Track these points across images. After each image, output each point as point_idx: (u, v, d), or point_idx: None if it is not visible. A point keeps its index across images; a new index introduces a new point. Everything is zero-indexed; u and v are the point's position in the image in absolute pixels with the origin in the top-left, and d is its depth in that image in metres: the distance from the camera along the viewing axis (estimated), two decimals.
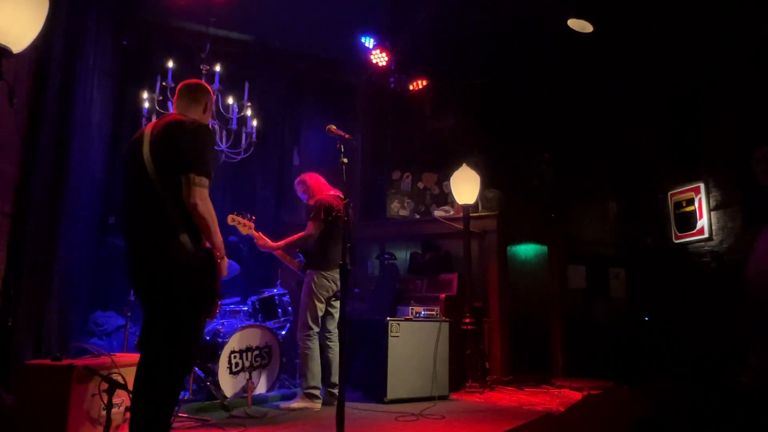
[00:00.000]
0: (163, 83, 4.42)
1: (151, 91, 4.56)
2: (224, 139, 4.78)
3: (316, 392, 4.00)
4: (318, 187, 4.32)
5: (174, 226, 2.25)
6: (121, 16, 5.10)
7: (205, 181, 2.28)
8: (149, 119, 4.53)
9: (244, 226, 4.09)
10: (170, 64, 4.44)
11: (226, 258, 2.42)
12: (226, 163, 5.00)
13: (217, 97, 4.72)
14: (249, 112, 4.84)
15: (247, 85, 4.85)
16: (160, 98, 4.55)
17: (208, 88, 2.71)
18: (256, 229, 4.15)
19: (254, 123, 4.86)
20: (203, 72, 4.74)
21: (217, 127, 4.72)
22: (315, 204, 4.19)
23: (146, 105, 4.54)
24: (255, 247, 4.31)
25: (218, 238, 2.33)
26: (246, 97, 4.83)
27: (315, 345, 4.06)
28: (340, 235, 4.18)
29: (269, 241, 4.16)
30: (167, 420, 2.21)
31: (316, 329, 4.09)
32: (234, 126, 4.75)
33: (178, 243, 2.24)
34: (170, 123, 2.41)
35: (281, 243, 4.15)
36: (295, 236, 4.14)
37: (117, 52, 5.09)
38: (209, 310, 2.32)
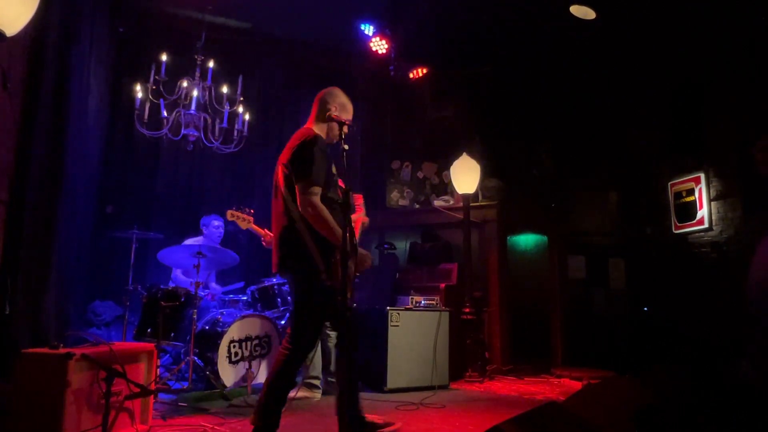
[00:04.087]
0: (156, 77, 4.35)
1: (147, 79, 4.48)
2: (216, 132, 4.73)
3: (316, 382, 3.98)
4: None
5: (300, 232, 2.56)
6: (117, 2, 5.02)
7: (317, 189, 2.52)
8: (142, 109, 4.48)
9: (244, 220, 4.02)
10: (164, 57, 4.39)
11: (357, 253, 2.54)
12: (224, 154, 4.97)
13: (211, 88, 4.67)
14: (241, 109, 4.80)
15: (240, 78, 4.80)
16: (154, 88, 4.48)
17: (322, 94, 2.95)
18: (256, 221, 4.06)
19: (246, 116, 4.82)
20: (198, 63, 4.68)
21: (208, 120, 4.68)
22: None
23: (139, 95, 4.47)
24: (254, 237, 4.25)
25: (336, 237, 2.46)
26: (239, 91, 4.76)
27: None
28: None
29: None
30: None
31: None
32: (225, 124, 4.72)
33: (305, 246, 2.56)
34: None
35: None
36: None
37: (113, 39, 5.00)
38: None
